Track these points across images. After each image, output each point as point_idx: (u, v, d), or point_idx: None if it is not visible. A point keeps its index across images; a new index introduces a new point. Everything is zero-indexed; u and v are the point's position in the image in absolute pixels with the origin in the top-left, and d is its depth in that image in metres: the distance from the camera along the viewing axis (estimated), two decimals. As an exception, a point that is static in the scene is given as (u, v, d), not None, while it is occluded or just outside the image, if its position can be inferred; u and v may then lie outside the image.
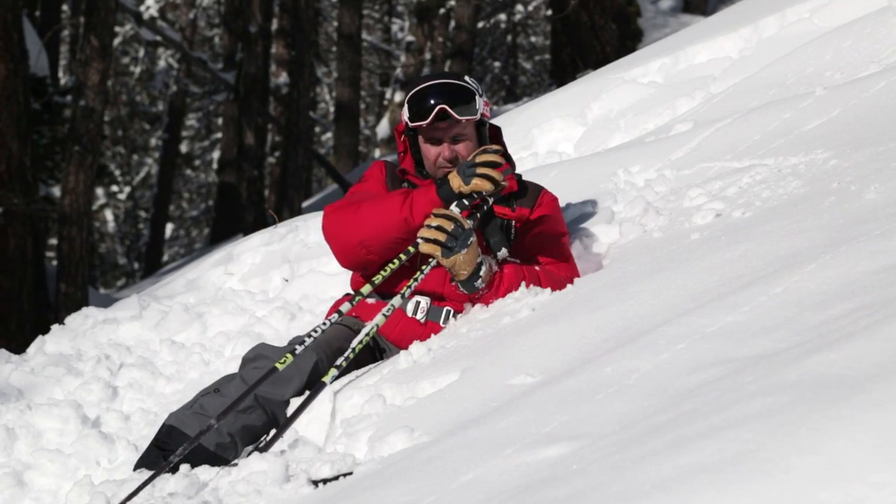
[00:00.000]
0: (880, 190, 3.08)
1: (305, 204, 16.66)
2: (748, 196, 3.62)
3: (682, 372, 2.30)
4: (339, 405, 3.29)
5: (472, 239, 3.53)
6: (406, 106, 3.78)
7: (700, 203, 3.77)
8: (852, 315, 2.21)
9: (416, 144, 3.83)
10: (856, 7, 5.58)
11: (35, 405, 4.24)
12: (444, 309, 3.69)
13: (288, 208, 14.38)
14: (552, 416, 2.36)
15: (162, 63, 23.65)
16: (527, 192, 3.90)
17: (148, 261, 23.44)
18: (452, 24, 16.86)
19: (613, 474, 1.85)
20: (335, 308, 3.85)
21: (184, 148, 27.11)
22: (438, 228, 3.51)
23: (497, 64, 23.29)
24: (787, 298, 2.50)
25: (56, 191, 12.11)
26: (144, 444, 3.77)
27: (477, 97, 3.73)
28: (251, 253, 5.84)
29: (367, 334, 3.47)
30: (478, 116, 3.72)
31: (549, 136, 6.45)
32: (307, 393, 3.34)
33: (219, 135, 24.52)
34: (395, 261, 3.62)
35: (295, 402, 3.44)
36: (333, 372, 3.35)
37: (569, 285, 3.55)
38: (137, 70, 24.83)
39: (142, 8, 19.55)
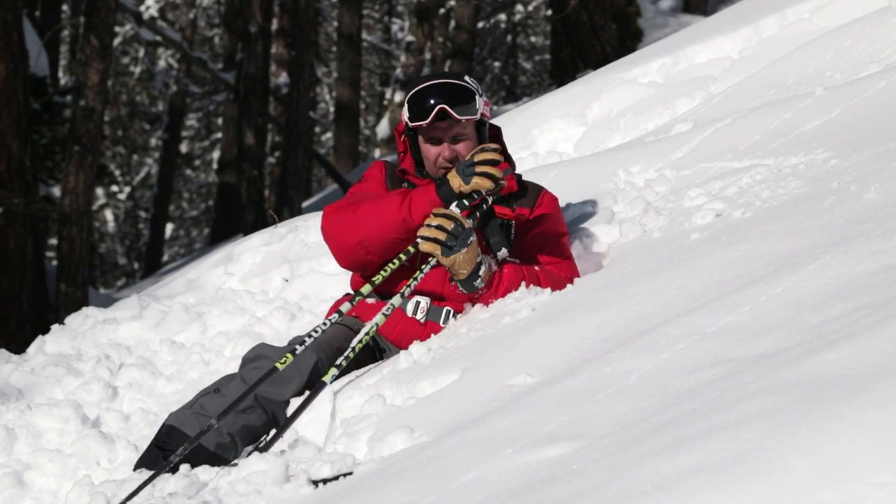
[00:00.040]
0: (880, 190, 3.08)
1: (305, 204, 16.66)
2: (748, 196, 3.62)
3: (682, 372, 2.30)
4: (339, 405, 3.29)
5: (471, 238, 3.53)
6: (406, 106, 3.78)
7: (700, 203, 3.77)
8: (852, 315, 2.21)
9: (416, 144, 3.83)
10: (856, 7, 5.58)
11: (35, 405, 4.25)
12: (444, 309, 3.69)
13: (288, 208, 14.38)
14: (552, 416, 2.36)
15: (162, 63, 23.65)
16: (527, 192, 3.90)
17: (148, 261, 23.44)
18: (452, 24, 16.86)
19: (613, 474, 1.85)
20: (335, 308, 3.85)
21: (184, 148, 27.12)
22: (438, 227, 3.51)
23: (497, 64, 23.29)
24: (787, 298, 2.50)
25: (56, 191, 12.12)
26: (144, 444, 3.77)
27: (477, 97, 3.73)
28: (251, 253, 5.85)
29: (366, 333, 3.47)
30: (478, 116, 3.72)
31: (549, 136, 6.44)
32: (307, 393, 3.35)
33: (219, 135, 24.52)
34: (395, 261, 3.62)
35: (295, 402, 3.44)
36: (333, 371, 3.36)
37: (569, 285, 3.56)
38: (137, 70, 24.83)
39: (142, 8, 19.55)
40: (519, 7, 22.44)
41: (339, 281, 5.10)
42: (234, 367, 4.18)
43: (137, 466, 3.49)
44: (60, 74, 20.57)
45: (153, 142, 27.70)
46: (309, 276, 5.36)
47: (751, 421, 1.82)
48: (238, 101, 15.62)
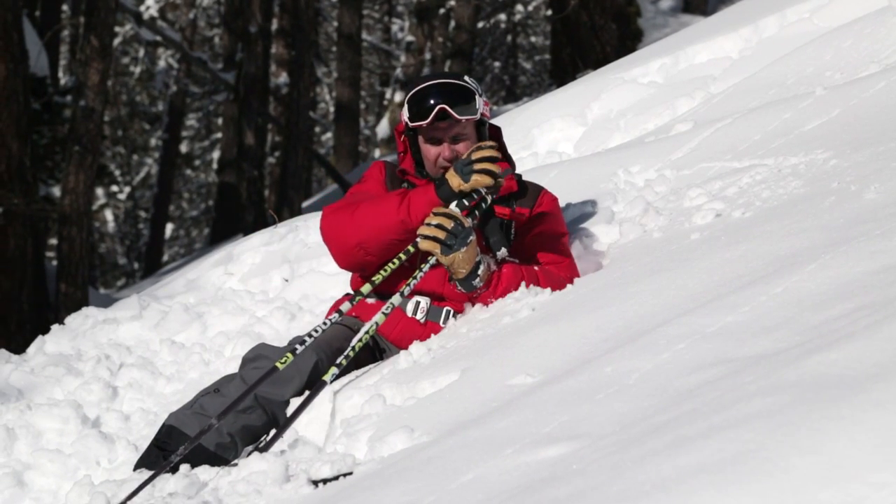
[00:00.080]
0: (880, 190, 3.08)
1: (305, 204, 16.66)
2: (748, 196, 3.62)
3: (682, 372, 2.30)
4: (339, 405, 3.29)
5: (471, 237, 3.54)
6: (406, 106, 3.78)
7: (700, 203, 3.77)
8: (852, 315, 2.21)
9: (416, 145, 3.83)
10: (856, 7, 5.58)
11: (35, 405, 4.25)
12: (444, 309, 3.69)
13: (288, 208, 14.38)
14: (552, 416, 2.36)
15: (162, 63, 23.65)
16: (527, 192, 3.90)
17: (148, 261, 23.44)
18: (452, 24, 16.86)
19: (613, 474, 1.85)
20: (335, 308, 3.85)
21: (184, 148, 27.12)
22: (438, 226, 3.51)
23: (497, 64, 23.29)
24: (787, 298, 2.50)
25: (56, 191, 12.11)
26: (144, 444, 3.77)
27: (477, 97, 3.73)
28: (251, 253, 5.85)
29: (366, 332, 3.47)
30: (478, 116, 3.73)
31: (549, 136, 6.45)
32: (307, 393, 3.35)
33: (219, 135, 24.52)
34: (395, 260, 3.62)
35: (295, 402, 3.44)
36: (334, 370, 3.36)
37: (568, 285, 3.56)
38: (137, 70, 24.83)
39: (142, 8, 19.56)
40: (519, 7, 22.44)
41: (339, 281, 5.10)
42: (234, 367, 4.18)
43: (137, 466, 3.49)
44: (60, 74, 20.58)
45: (153, 142, 27.70)
46: (309, 276, 5.36)
47: (751, 421, 1.82)
48: (238, 101, 15.62)
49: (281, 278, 5.49)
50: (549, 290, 3.55)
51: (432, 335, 3.57)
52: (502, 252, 3.71)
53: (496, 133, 3.91)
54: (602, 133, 6.12)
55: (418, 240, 3.56)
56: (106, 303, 8.80)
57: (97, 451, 3.94)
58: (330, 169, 16.70)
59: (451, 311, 3.69)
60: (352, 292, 3.89)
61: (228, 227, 18.16)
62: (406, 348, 3.47)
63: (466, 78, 3.79)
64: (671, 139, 4.78)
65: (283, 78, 18.19)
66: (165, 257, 27.30)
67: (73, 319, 5.24)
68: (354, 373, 3.51)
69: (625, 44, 11.96)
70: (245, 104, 15.10)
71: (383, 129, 17.93)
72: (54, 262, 14.19)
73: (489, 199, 3.64)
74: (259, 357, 3.63)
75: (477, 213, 3.63)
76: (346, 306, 3.66)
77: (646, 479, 1.77)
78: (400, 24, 24.95)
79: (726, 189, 3.80)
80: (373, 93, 27.57)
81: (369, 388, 3.26)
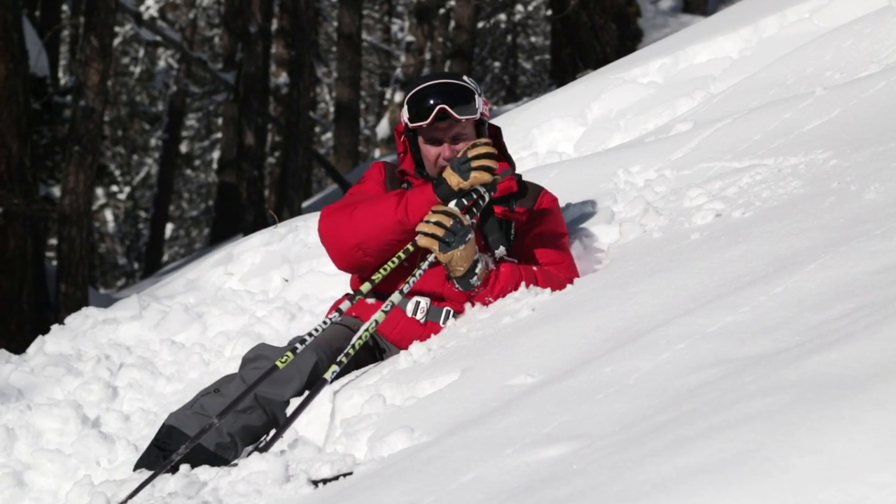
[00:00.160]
0: (880, 190, 3.08)
1: (305, 204, 16.66)
2: (748, 196, 3.62)
3: (682, 372, 2.30)
4: (339, 405, 3.29)
5: (469, 235, 3.54)
6: (405, 107, 3.78)
7: (700, 203, 3.76)
8: (852, 315, 2.21)
9: (415, 145, 3.83)
10: (856, 7, 5.58)
11: (35, 405, 4.25)
12: (444, 309, 3.69)
13: (288, 208, 14.38)
14: (552, 416, 2.36)
15: (162, 63, 23.65)
16: (527, 192, 3.90)
17: (148, 261, 23.44)
18: (452, 24, 16.86)
19: (613, 474, 1.85)
20: (335, 308, 3.85)
21: (184, 148, 27.12)
22: (437, 224, 3.52)
23: (497, 64, 23.28)
24: (787, 298, 2.50)
25: (56, 191, 12.12)
26: (144, 444, 3.77)
27: (476, 97, 3.73)
28: (251, 253, 5.85)
29: (366, 330, 3.47)
30: (477, 116, 3.73)
31: (549, 136, 6.45)
32: (307, 392, 3.35)
33: (219, 135, 24.52)
34: (395, 259, 3.62)
35: (295, 403, 3.44)
36: (334, 368, 3.36)
37: (568, 285, 3.56)
38: (137, 70, 24.83)
39: (142, 8, 19.55)
40: (519, 7, 22.44)
41: (339, 281, 5.10)
42: (234, 367, 4.18)
43: (137, 466, 3.49)
44: (60, 74, 20.58)
45: (153, 142, 27.70)
46: (309, 276, 5.36)
47: (751, 421, 1.82)
48: (238, 101, 15.62)
49: (281, 278, 5.50)
50: (548, 290, 3.55)
51: (432, 335, 3.57)
52: (501, 250, 3.71)
53: (496, 133, 3.91)
54: (602, 133, 6.12)
55: (417, 237, 3.56)
56: (106, 303, 8.80)
57: (97, 451, 3.94)
58: (330, 169, 16.70)
59: (451, 312, 3.69)
60: (351, 292, 3.89)
61: (228, 227, 18.16)
62: (406, 348, 3.47)
63: (465, 78, 3.79)
64: (671, 139, 4.78)
65: (283, 78, 18.19)
66: (165, 257, 27.31)
67: (73, 319, 5.24)
68: (354, 373, 3.52)
69: (625, 44, 11.96)
70: (245, 104, 15.10)
71: (383, 129, 17.93)
72: (54, 262, 14.19)
73: (487, 196, 3.64)
74: (259, 357, 3.63)
75: (476, 211, 3.63)
76: (345, 305, 3.66)
77: (646, 479, 1.77)
78: (400, 24, 24.95)
79: (726, 189, 3.79)
80: (373, 93, 27.57)
81: (369, 388, 3.26)
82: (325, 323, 3.56)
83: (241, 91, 15.09)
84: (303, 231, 5.87)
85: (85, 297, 9.90)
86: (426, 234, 3.53)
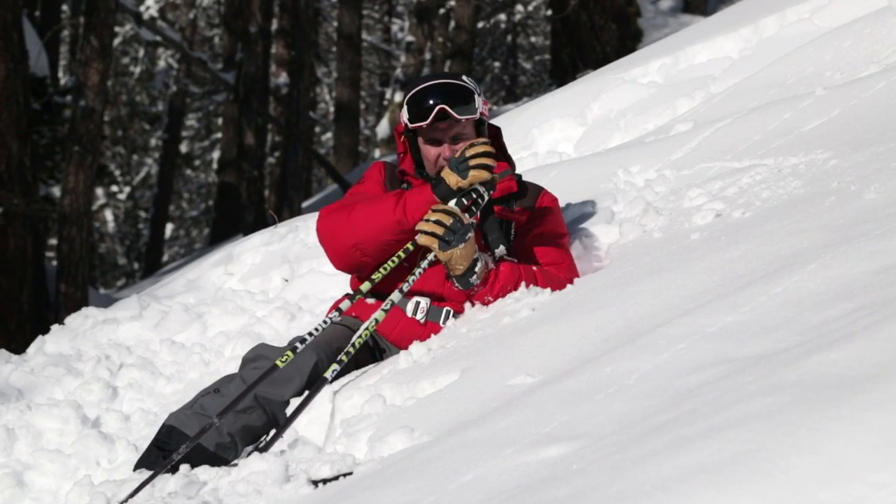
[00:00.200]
0: (880, 190, 3.08)
1: (305, 204, 16.66)
2: (748, 196, 3.62)
3: (682, 372, 2.30)
4: (339, 405, 3.29)
5: (469, 234, 3.54)
6: (405, 107, 3.78)
7: (700, 203, 3.76)
8: (852, 315, 2.21)
9: (415, 145, 3.83)
10: (856, 7, 5.58)
11: (35, 405, 4.25)
12: (444, 309, 3.69)
13: (288, 208, 14.38)
14: (552, 416, 2.36)
15: (162, 63, 23.66)
16: (527, 192, 3.90)
17: (148, 261, 23.44)
18: (452, 24, 16.86)
19: (613, 474, 1.85)
20: (334, 308, 3.85)
21: (184, 148, 27.12)
22: (437, 222, 3.52)
23: (497, 64, 23.29)
24: (787, 298, 2.50)
25: (56, 191, 12.11)
26: (144, 444, 3.77)
27: (476, 96, 3.73)
28: (251, 253, 5.85)
29: (366, 328, 3.47)
30: (477, 116, 3.73)
31: (549, 136, 6.44)
32: (307, 392, 3.35)
33: (219, 135, 24.52)
34: (395, 259, 3.62)
35: (295, 402, 3.44)
36: (334, 367, 3.36)
37: (568, 285, 3.56)
38: (137, 70, 24.83)
39: (142, 8, 19.56)
40: (519, 7, 22.44)
41: (339, 281, 5.10)
42: (234, 367, 4.18)
43: (137, 466, 3.49)
44: (60, 74, 20.58)
45: (153, 142, 27.70)
46: (309, 276, 5.36)
47: (751, 421, 1.82)
48: (238, 101, 15.62)
49: (281, 278, 5.50)
50: (548, 290, 3.55)
51: (432, 335, 3.57)
52: (500, 249, 3.71)
53: (496, 133, 3.91)
54: (602, 133, 6.12)
55: (417, 236, 3.56)
56: (106, 303, 8.80)
57: (97, 451, 3.94)
58: (330, 169, 16.70)
59: (451, 312, 3.69)
60: (351, 292, 3.89)
61: (228, 227, 18.16)
62: (406, 348, 3.47)
63: (465, 78, 3.79)
64: (671, 139, 4.78)
65: (283, 78, 18.19)
66: (165, 257, 27.31)
67: (73, 319, 5.24)
68: (354, 373, 3.51)
69: (625, 44, 11.96)
70: (245, 104, 15.10)
71: (383, 129, 17.93)
72: (54, 262, 14.19)
73: (486, 195, 3.64)
74: (259, 357, 3.63)
75: (475, 210, 3.63)
76: (346, 304, 3.66)
77: (646, 479, 1.77)
78: (400, 24, 24.95)
79: (726, 189, 3.79)
80: (373, 93, 27.57)
81: (369, 388, 3.26)
82: (324, 323, 3.56)
83: (241, 91, 15.09)
84: (303, 231, 5.87)
85: (85, 297, 9.90)
86: (426, 233, 3.53)
